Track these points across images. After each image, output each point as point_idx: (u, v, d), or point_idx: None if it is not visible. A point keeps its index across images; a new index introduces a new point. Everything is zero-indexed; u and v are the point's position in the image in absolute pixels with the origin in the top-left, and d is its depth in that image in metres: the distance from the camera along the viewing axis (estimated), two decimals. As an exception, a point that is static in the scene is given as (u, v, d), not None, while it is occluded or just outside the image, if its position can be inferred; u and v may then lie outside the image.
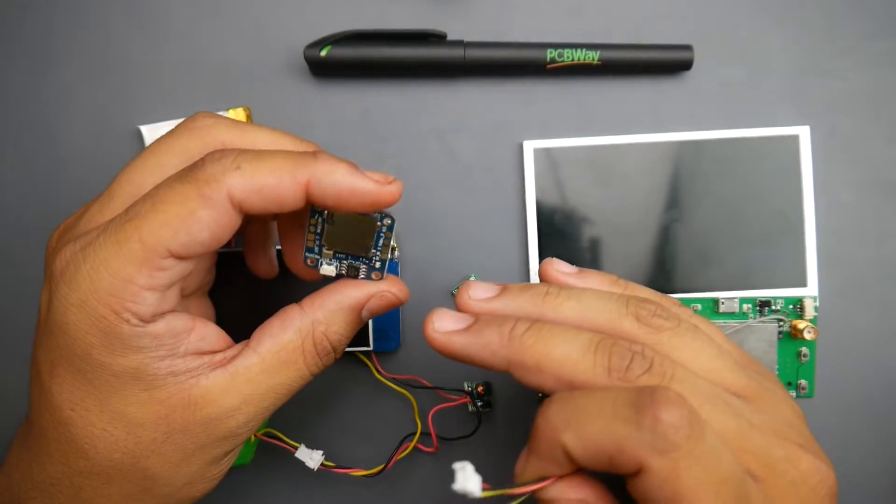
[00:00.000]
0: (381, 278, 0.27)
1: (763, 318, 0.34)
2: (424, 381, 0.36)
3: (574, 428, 0.21)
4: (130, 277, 0.22)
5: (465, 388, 0.36)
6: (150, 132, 0.36)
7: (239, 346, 0.25)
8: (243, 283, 0.34)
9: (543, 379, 0.22)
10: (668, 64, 0.36)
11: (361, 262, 0.27)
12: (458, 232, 0.37)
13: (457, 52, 0.35)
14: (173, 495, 0.25)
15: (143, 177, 0.25)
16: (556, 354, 0.22)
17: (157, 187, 0.23)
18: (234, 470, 0.36)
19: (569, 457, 0.21)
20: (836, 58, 0.36)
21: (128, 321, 0.22)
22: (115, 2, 0.37)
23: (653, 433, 0.19)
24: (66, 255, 0.23)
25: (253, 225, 0.31)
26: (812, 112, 0.36)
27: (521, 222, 0.36)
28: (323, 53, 0.35)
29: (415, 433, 0.36)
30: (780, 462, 0.21)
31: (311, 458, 0.34)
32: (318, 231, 0.26)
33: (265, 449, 0.35)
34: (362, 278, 0.27)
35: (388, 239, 0.27)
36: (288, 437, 0.34)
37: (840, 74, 0.36)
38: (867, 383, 0.36)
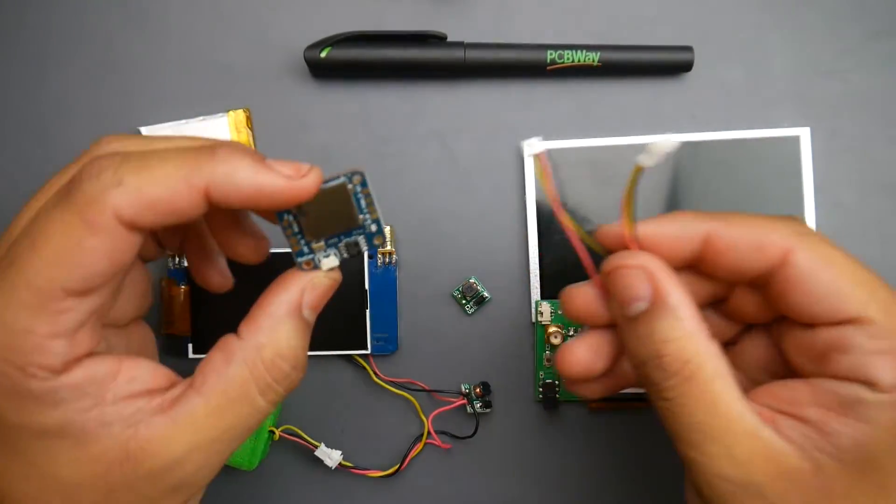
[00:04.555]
0: (384, 241, 0.25)
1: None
2: (422, 384, 0.36)
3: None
4: (28, 328, 0.19)
5: (463, 389, 0.36)
6: (151, 133, 0.36)
7: (182, 386, 0.22)
8: (234, 289, 0.30)
9: None
10: (669, 65, 0.35)
11: (355, 234, 0.24)
12: (458, 233, 0.37)
13: (457, 54, 0.35)
14: None
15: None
16: None
17: (34, 220, 0.21)
18: (240, 471, 0.36)
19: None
20: (836, 59, 0.36)
21: (35, 376, 0.20)
22: (115, 3, 0.37)
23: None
24: None
25: (190, 238, 0.28)
26: (812, 113, 0.36)
27: (522, 223, 0.36)
28: (323, 55, 0.35)
29: (416, 435, 0.36)
30: None
31: (331, 457, 0.35)
32: (297, 230, 0.24)
33: (276, 445, 0.36)
34: (365, 251, 0.25)
35: (368, 196, 0.24)
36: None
37: (841, 76, 0.36)
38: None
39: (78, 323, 0.20)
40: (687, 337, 0.22)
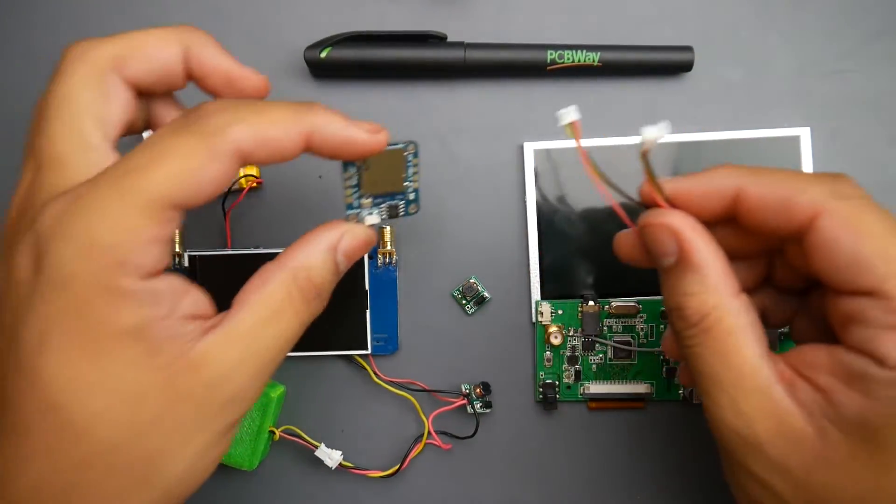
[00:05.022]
0: (419, 209, 0.29)
1: (764, 320, 0.34)
2: (422, 384, 0.36)
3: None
4: (135, 228, 0.21)
5: (463, 389, 0.36)
6: (150, 134, 0.36)
7: (223, 313, 0.24)
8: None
9: None
10: (669, 65, 0.36)
11: (397, 199, 0.28)
12: (459, 233, 0.37)
13: (457, 54, 0.35)
14: (171, 490, 0.23)
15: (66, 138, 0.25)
16: None
17: (154, 139, 0.22)
18: (240, 471, 0.36)
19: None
20: (836, 59, 0.36)
21: (129, 274, 0.21)
22: (114, 3, 0.37)
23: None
24: (53, 213, 0.22)
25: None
26: (813, 113, 0.36)
27: (522, 224, 0.36)
28: (323, 55, 0.35)
29: (416, 435, 0.36)
30: None
31: (331, 457, 0.35)
32: (355, 183, 0.27)
33: (276, 446, 0.36)
34: (402, 215, 0.29)
35: (416, 166, 0.28)
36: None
37: (841, 76, 0.36)
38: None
39: (172, 234, 0.22)
40: (708, 292, 0.23)
